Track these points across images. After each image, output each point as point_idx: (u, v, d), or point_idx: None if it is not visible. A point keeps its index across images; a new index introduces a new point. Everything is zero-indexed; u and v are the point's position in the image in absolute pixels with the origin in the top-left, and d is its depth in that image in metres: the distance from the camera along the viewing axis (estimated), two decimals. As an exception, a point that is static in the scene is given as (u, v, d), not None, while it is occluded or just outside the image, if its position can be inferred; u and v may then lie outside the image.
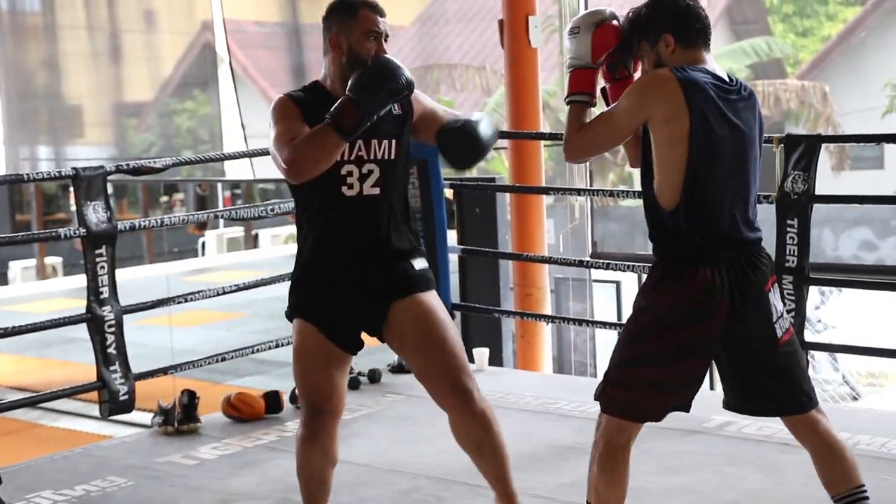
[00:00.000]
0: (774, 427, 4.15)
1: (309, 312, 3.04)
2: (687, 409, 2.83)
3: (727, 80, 2.80)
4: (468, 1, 20.24)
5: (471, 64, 17.99)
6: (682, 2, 2.83)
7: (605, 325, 5.53)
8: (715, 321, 2.72)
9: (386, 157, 2.99)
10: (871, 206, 15.11)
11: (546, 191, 6.32)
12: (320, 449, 3.07)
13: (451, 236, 5.94)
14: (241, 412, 4.67)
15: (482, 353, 5.41)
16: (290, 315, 3.11)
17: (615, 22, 2.88)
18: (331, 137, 2.84)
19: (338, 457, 3.14)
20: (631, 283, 8.46)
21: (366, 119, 2.84)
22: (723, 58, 16.55)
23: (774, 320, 2.76)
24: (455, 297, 5.79)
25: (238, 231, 19.50)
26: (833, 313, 10.00)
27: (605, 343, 8.57)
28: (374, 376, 5.22)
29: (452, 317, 5.40)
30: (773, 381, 2.79)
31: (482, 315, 5.99)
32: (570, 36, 2.89)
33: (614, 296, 8.76)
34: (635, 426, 2.81)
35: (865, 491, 2.78)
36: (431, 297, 3.08)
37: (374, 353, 8.02)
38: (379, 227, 2.99)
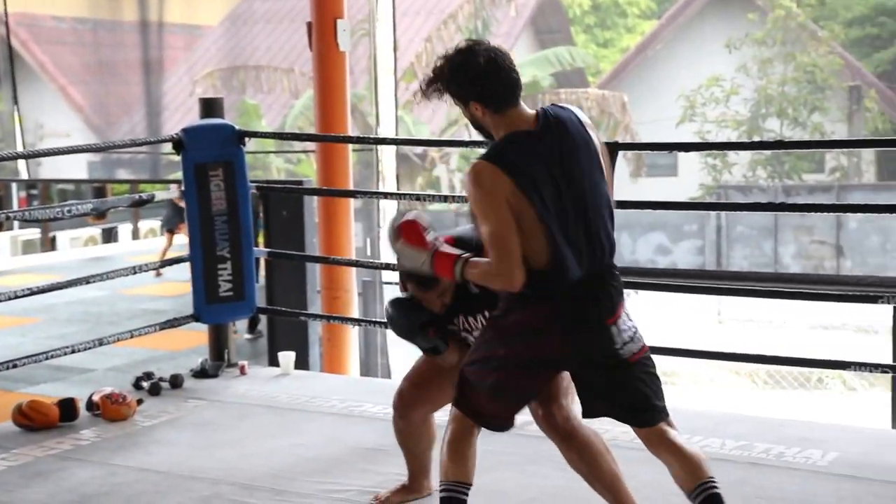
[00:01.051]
0: (573, 425, 4.26)
1: None
2: (509, 425, 3.02)
3: (540, 125, 2.83)
4: (277, 2, 20.04)
5: (279, 66, 17.85)
6: (483, 70, 2.82)
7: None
8: (551, 349, 2.86)
9: None
10: (666, 212, 15.75)
11: (353, 194, 6.31)
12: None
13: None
14: (33, 420, 4.48)
15: (288, 357, 5.36)
16: None
17: (408, 217, 3.01)
18: None
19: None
20: (437, 286, 8.54)
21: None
22: (528, 66, 16.94)
23: (619, 347, 2.87)
24: (262, 301, 5.72)
25: (34, 233, 18.72)
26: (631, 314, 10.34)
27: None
28: (175, 382, 5.09)
29: (257, 321, 5.36)
30: (624, 396, 2.91)
31: (289, 319, 5.94)
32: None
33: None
34: None
35: (715, 481, 2.91)
36: None
37: (177, 357, 7.86)
38: None
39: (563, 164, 2.83)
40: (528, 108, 2.89)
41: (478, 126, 2.91)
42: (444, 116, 17.25)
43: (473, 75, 2.83)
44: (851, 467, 3.71)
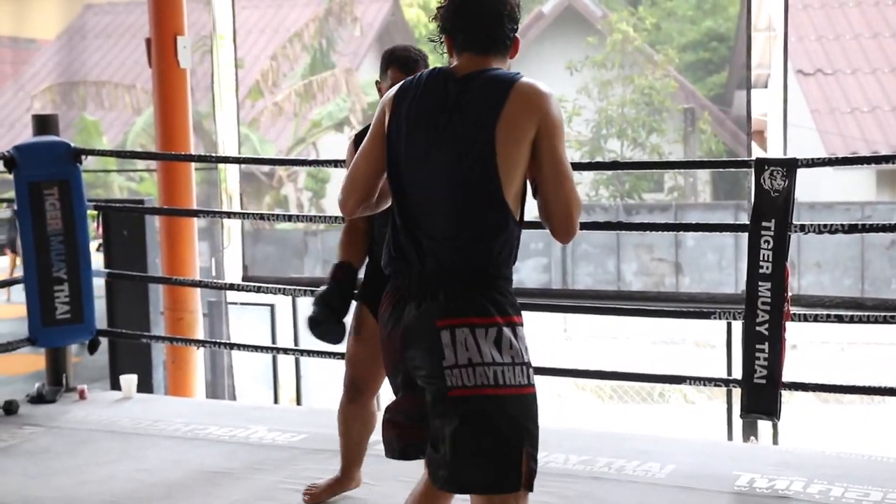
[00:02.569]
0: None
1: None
2: (409, 454, 2.52)
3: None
4: (118, 16, 19.60)
5: (120, 82, 17.45)
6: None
7: (256, 348, 5.50)
8: (390, 348, 2.48)
9: None
10: (513, 231, 16.01)
11: (196, 213, 6.22)
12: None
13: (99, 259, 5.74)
14: None
15: (129, 380, 5.23)
16: None
17: None
18: None
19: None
20: (285, 307, 8.50)
21: None
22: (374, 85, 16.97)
23: (446, 365, 2.31)
24: (102, 323, 5.57)
25: None
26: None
27: (261, 366, 8.54)
28: (10, 408, 4.91)
29: (98, 343, 5.22)
30: (446, 443, 2.34)
31: (131, 341, 5.80)
32: None
33: (269, 319, 8.74)
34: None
35: None
36: None
37: (14, 382, 7.58)
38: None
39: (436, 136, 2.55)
40: None
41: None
42: (291, 135, 17.15)
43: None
44: (687, 478, 3.83)
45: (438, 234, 2.40)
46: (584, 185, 17.04)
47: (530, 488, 2.38)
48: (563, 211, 2.40)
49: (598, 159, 16.19)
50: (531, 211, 2.52)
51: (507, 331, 2.35)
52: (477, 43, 2.47)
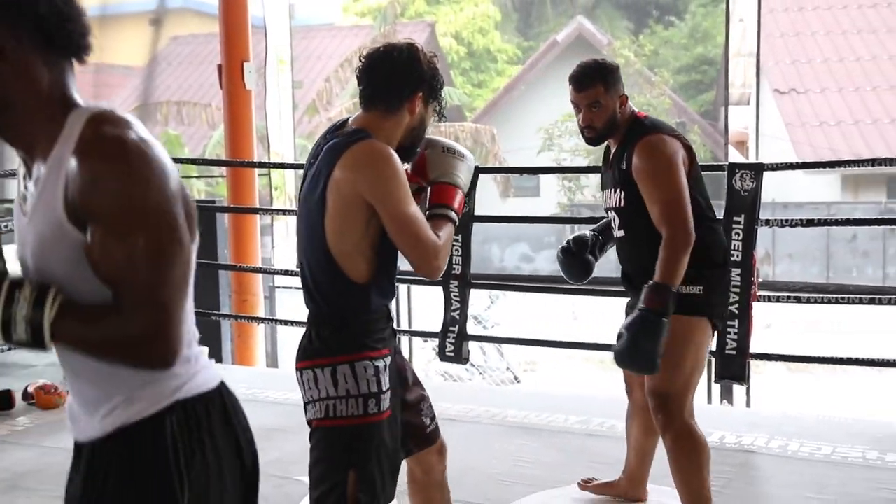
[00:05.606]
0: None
1: None
2: None
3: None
4: (198, 46, 19.78)
5: (198, 101, 17.58)
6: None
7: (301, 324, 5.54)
8: None
9: (617, 205, 2.82)
10: (529, 225, 15.97)
11: (257, 211, 6.27)
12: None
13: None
14: (-26, 410, 4.34)
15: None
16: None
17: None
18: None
19: None
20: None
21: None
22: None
23: (307, 401, 2.21)
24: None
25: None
26: (499, 313, 10.46)
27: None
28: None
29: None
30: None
31: (203, 318, 5.87)
32: (459, 158, 2.31)
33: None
34: None
35: None
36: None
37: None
38: (629, 262, 2.85)
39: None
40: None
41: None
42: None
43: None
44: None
45: (307, 286, 2.20)
46: (591, 187, 16.97)
47: None
48: (412, 257, 2.12)
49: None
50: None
51: (343, 367, 2.14)
52: (365, 99, 2.19)
